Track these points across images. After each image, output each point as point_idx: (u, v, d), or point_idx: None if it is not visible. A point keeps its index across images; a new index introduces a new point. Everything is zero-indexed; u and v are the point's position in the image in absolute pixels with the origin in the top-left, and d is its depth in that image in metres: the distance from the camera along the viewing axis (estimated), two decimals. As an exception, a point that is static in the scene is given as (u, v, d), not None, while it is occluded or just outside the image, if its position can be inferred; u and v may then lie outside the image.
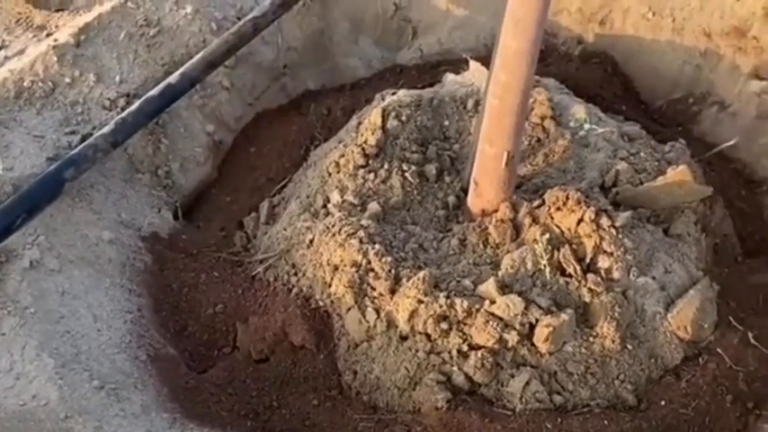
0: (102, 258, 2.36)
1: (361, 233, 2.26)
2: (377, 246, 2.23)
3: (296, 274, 2.36)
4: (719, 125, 2.87)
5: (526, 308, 2.09)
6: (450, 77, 2.82)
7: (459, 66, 2.90)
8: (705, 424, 2.08)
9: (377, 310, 2.19)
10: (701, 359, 2.19)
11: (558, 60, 3.09)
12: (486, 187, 2.28)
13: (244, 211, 2.69)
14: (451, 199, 2.44)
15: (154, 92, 2.64)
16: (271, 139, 2.92)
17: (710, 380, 2.13)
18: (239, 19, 2.88)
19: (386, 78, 3.16)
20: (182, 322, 2.38)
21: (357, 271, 2.22)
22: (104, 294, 2.29)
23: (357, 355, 2.22)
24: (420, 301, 2.13)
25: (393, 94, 2.66)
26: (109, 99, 2.66)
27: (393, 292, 2.19)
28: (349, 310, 2.22)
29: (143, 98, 2.62)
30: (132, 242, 2.47)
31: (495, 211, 2.30)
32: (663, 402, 2.10)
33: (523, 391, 2.07)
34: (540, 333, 2.09)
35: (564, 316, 2.10)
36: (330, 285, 2.27)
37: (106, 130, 2.52)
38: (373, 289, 2.21)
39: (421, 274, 2.14)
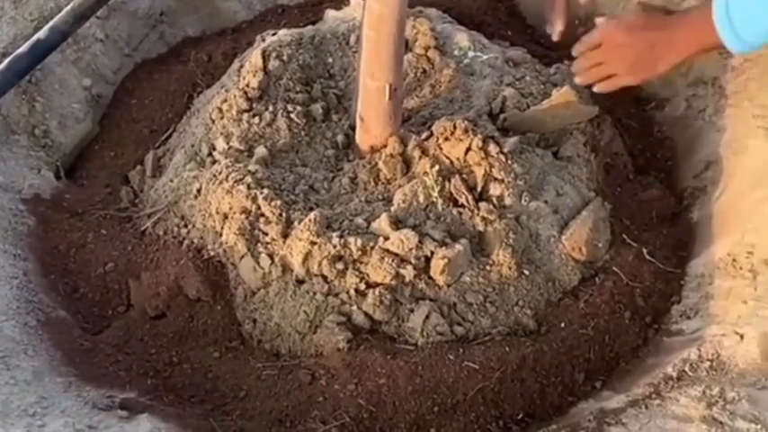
0: (-19, 224, 2.27)
1: (249, 179, 2.20)
2: (265, 190, 2.18)
3: (186, 226, 2.29)
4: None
5: (420, 241, 2.07)
6: (331, 14, 2.77)
7: (340, 2, 2.85)
8: (605, 342, 2.10)
9: (270, 256, 2.15)
10: (597, 278, 2.20)
11: (440, -11, 3.07)
12: (372, 122, 2.25)
13: (128, 165, 2.61)
14: (340, 138, 2.40)
15: (22, 49, 2.53)
16: (152, 89, 2.83)
17: (608, 298, 2.14)
18: (107, -34, 2.78)
19: (268, 20, 3.08)
20: (72, 284, 2.30)
21: (247, 217, 2.17)
22: (-13, 261, 2.20)
23: (255, 303, 2.17)
24: (313, 243, 2.09)
25: (273, 34, 2.60)
26: (-23, 60, 2.55)
27: (285, 236, 2.14)
28: (242, 257, 2.17)
29: (11, 56, 2.52)
30: (13, 205, 2.38)
31: (384, 146, 2.27)
32: (563, 324, 2.10)
33: (424, 324, 2.06)
34: (436, 265, 2.07)
35: (458, 247, 2.08)
36: (221, 234, 2.21)
37: (-25, 91, 2.42)
38: (265, 234, 2.17)
39: (311, 215, 2.10)
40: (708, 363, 1.87)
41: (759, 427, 1.64)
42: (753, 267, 2.07)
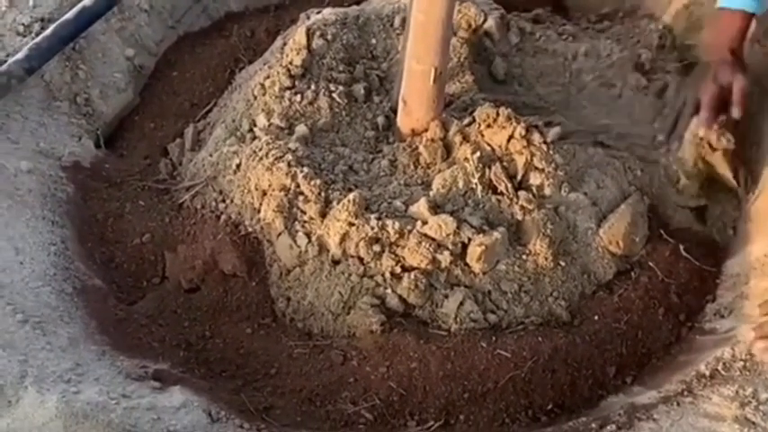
0: (21, 189, 2.28)
1: (289, 156, 2.21)
2: (305, 169, 2.18)
3: (224, 201, 2.30)
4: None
5: (458, 227, 2.07)
6: (376, -5, 2.77)
7: (386, -17, 2.84)
8: (638, 337, 2.09)
9: (308, 235, 2.15)
10: (633, 273, 2.19)
11: (486, -24, 3.05)
12: (414, 106, 2.24)
13: (168, 137, 2.62)
14: (381, 119, 2.40)
15: (68, 15, 2.54)
16: (194, 62, 2.84)
17: (643, 293, 2.14)
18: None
19: (311, -2, 3.08)
20: (108, 253, 2.31)
21: (286, 195, 2.17)
22: (25, 226, 2.21)
23: (289, 282, 2.17)
24: (351, 224, 2.09)
25: (318, 12, 2.60)
26: (23, 24, 2.55)
27: (323, 215, 2.15)
28: (279, 235, 2.17)
29: (57, 22, 2.52)
30: (53, 172, 2.39)
31: (425, 130, 2.27)
32: (596, 317, 2.10)
33: (458, 310, 2.06)
34: (473, 252, 2.07)
35: (496, 234, 2.08)
36: (259, 211, 2.22)
37: (20, 56, 2.43)
38: (303, 213, 2.17)
39: (351, 195, 2.10)
40: (741, 363, 1.86)
41: (791, 429, 1.64)
42: (790, 269, 2.07)
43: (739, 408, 1.71)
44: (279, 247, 2.18)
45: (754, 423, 1.67)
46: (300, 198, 2.18)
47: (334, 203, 2.14)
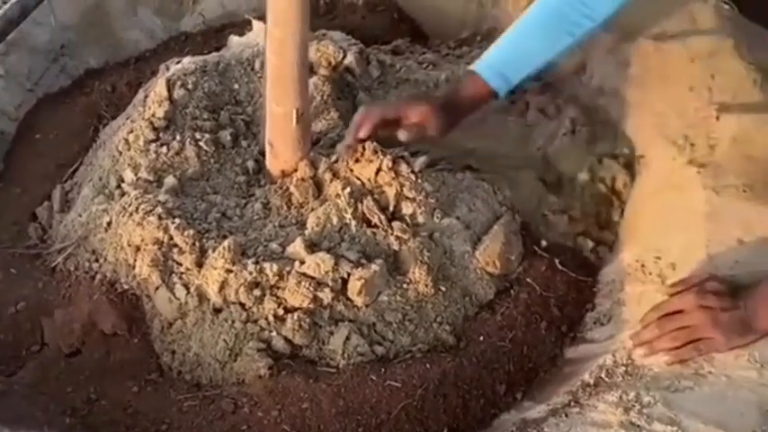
0: None
1: (159, 209, 2.18)
2: (177, 220, 2.16)
3: (97, 260, 2.26)
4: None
5: (336, 263, 2.07)
6: (234, 40, 2.77)
7: (244, 28, 2.85)
8: (523, 353, 2.12)
9: (186, 286, 2.13)
10: (512, 291, 2.22)
11: (343, 12, 3.08)
12: (281, 147, 2.25)
13: (36, 201, 2.56)
14: (251, 163, 2.39)
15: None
16: (56, 123, 2.79)
17: (524, 309, 2.17)
18: (4, 3, 2.73)
19: (171, 48, 3.07)
20: (-16, 329, 2.25)
21: (160, 248, 2.15)
22: None
23: (173, 335, 2.14)
24: (228, 271, 2.08)
25: (178, 62, 2.59)
26: None
27: (200, 265, 2.13)
28: (157, 289, 2.14)
29: None
30: None
31: (295, 170, 2.28)
32: (481, 338, 2.12)
33: (344, 346, 2.06)
34: (353, 286, 2.08)
35: (374, 266, 2.09)
36: (134, 267, 2.18)
37: None
38: (179, 264, 2.15)
39: (225, 242, 2.09)
40: (623, 368, 1.90)
41: (675, 428, 1.68)
42: (661, 272, 2.13)
43: (624, 413, 1.74)
44: (158, 301, 2.15)
45: (639, 426, 1.70)
46: (175, 250, 2.15)
47: (210, 252, 2.13)
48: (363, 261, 2.12)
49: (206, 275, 2.11)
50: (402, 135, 2.21)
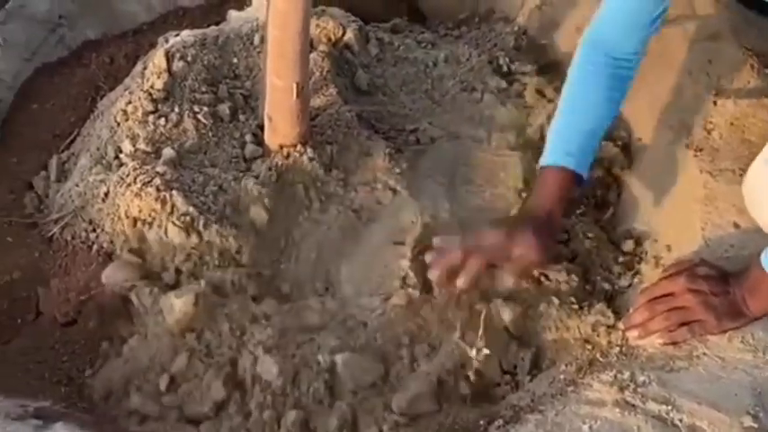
0: None
1: (158, 180, 2.18)
2: (174, 192, 2.16)
3: (94, 230, 2.25)
4: (505, 41, 2.91)
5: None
6: (233, 14, 2.76)
7: (242, 3, 2.85)
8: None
9: (181, 257, 2.14)
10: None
11: (342, -11, 3.08)
12: (280, 122, 2.25)
13: (32, 171, 2.56)
14: (249, 137, 2.39)
15: None
16: (53, 93, 2.78)
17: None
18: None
19: (169, 21, 3.07)
20: (-21, 293, 2.25)
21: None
22: None
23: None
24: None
25: (176, 35, 2.58)
26: None
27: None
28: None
29: None
30: None
31: (293, 145, 2.28)
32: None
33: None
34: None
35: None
36: (131, 238, 2.19)
37: None
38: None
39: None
40: (617, 348, 1.91)
41: (669, 408, 1.68)
42: (657, 254, 2.16)
43: (618, 392, 1.74)
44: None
45: (633, 405, 1.70)
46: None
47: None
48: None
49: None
50: (509, 280, 2.06)
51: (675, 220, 2.17)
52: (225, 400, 1.93)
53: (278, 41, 2.11)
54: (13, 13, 2.80)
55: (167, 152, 2.29)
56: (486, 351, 1.89)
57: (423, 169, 2.39)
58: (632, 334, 1.91)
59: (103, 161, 2.35)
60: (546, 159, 2.09)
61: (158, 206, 2.15)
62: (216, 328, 2.03)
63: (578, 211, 2.35)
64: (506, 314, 2.02)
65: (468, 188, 2.34)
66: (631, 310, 1.95)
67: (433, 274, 2.03)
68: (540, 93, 2.63)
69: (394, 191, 2.30)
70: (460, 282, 1.98)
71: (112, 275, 2.14)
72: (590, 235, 2.27)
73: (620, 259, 2.23)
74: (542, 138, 2.44)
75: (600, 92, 2.13)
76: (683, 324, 1.86)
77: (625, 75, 2.15)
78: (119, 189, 2.22)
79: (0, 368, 2.05)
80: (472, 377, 1.92)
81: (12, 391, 1.97)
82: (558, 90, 2.52)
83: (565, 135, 2.12)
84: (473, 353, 1.88)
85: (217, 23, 2.80)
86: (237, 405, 1.92)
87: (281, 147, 2.28)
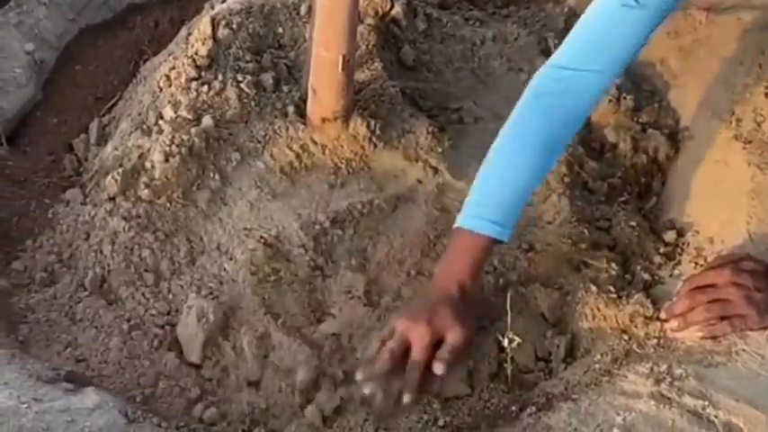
0: None
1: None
2: (210, 160, 2.17)
3: (128, 196, 2.26)
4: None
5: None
6: (280, -17, 2.74)
7: (291, -29, 2.82)
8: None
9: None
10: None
11: (391, -38, 3.05)
12: (324, 94, 2.22)
13: (72, 132, 2.56)
14: (291, 108, 2.36)
15: (-37, 12, 2.48)
16: (96, 56, 2.79)
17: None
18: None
19: (215, -13, 3.05)
20: (14, 253, 2.23)
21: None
22: (-75, 233, 2.14)
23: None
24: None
25: (222, 2, 2.57)
26: None
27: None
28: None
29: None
30: (-47, 171, 2.32)
31: (336, 118, 2.26)
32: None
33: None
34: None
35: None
36: (166, 204, 2.19)
37: None
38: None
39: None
40: (654, 340, 1.89)
41: (706, 403, 1.66)
42: (699, 245, 2.13)
43: (654, 384, 1.73)
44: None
45: (669, 398, 1.69)
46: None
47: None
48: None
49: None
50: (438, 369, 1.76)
51: (720, 212, 2.14)
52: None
53: (327, 12, 2.09)
54: (58, -27, 2.80)
55: (205, 120, 2.28)
56: (518, 340, 1.85)
57: (465, 149, 2.35)
58: (672, 324, 1.88)
59: (144, 126, 2.33)
60: (461, 220, 1.91)
61: (194, 173, 2.15)
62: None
63: (621, 199, 2.31)
64: (543, 300, 2.01)
65: (510, 170, 2.29)
66: (674, 299, 1.92)
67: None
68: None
69: (435, 170, 2.27)
70: (406, 399, 1.73)
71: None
72: (632, 223, 2.24)
73: (661, 249, 2.19)
74: (587, 123, 2.42)
75: (543, 157, 1.97)
76: (723, 318, 1.83)
77: (571, 135, 2.04)
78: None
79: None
80: (505, 363, 1.90)
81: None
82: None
83: (484, 194, 1.94)
84: (505, 342, 1.85)
85: (262, -9, 2.78)
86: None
87: (324, 120, 2.26)
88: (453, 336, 1.77)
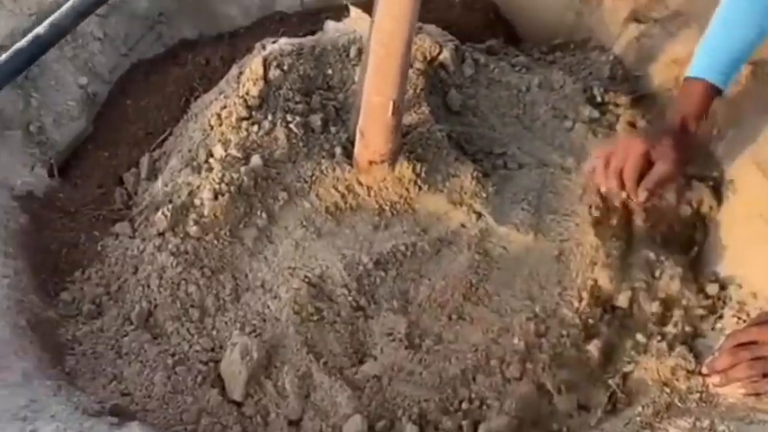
0: (-28, 221, 2.25)
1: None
2: (258, 201, 2.20)
3: (177, 232, 2.29)
4: (600, 69, 2.89)
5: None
6: (331, 25, 2.76)
7: (340, 13, 2.84)
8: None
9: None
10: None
11: (439, 7, 3.08)
12: (372, 137, 2.24)
13: (122, 166, 2.60)
14: (338, 150, 2.39)
15: (21, 43, 2.50)
16: (148, 90, 2.82)
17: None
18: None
19: (265, 26, 3.08)
20: (62, 284, 2.27)
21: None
22: (-23, 259, 2.18)
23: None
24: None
25: (274, 42, 2.60)
26: (-26, 54, 2.53)
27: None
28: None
29: (10, 50, 2.49)
30: (5, 202, 2.35)
31: (383, 161, 2.28)
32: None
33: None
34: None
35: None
36: (214, 241, 2.22)
37: (-27, 86, 2.39)
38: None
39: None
40: (697, 394, 1.89)
41: (748, 461, 1.66)
42: (742, 300, 2.13)
43: (696, 439, 1.73)
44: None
45: (711, 454, 1.69)
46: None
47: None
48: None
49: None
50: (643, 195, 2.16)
51: (762, 266, 2.14)
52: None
53: (380, 59, 2.11)
54: (115, 8, 2.83)
55: (254, 160, 2.31)
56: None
57: (508, 194, 2.37)
58: (714, 380, 1.89)
59: (194, 163, 2.37)
60: (692, 71, 2.20)
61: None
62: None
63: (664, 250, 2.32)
64: (593, 349, 2.02)
65: (554, 217, 2.30)
66: (716, 354, 1.92)
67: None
68: (631, 125, 2.60)
69: (479, 214, 2.29)
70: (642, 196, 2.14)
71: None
72: (674, 274, 2.23)
73: (704, 302, 2.19)
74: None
75: (751, 17, 2.17)
76: (766, 375, 1.82)
77: None
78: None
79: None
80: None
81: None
82: (650, 123, 2.51)
83: (713, 50, 2.20)
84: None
85: (312, 32, 2.81)
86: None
87: (371, 162, 2.28)
88: (661, 166, 2.12)
